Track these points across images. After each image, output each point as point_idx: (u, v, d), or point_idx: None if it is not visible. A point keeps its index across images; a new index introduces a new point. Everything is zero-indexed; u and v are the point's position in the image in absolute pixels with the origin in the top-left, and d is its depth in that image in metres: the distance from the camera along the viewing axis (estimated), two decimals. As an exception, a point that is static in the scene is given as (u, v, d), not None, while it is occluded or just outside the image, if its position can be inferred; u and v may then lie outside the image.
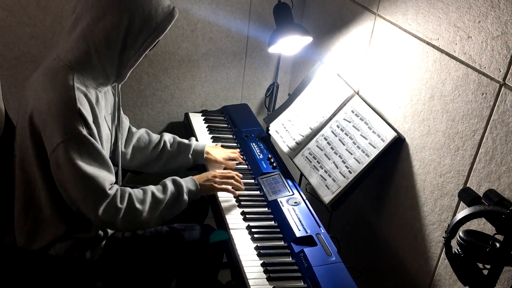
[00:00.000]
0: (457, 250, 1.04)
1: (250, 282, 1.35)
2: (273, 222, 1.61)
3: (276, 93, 2.46)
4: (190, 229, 1.63)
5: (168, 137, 1.86)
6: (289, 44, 2.03)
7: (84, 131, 1.33)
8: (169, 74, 2.29)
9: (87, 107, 1.37)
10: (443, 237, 1.08)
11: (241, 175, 1.73)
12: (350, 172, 1.65)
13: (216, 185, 1.64)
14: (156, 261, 1.58)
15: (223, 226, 1.58)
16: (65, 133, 1.30)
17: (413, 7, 1.53)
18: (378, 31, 1.73)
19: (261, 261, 1.43)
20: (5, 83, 2.07)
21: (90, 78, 1.40)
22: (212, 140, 2.05)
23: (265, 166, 1.87)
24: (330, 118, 1.84)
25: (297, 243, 1.50)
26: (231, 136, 2.10)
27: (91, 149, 1.35)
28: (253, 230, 1.55)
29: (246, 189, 1.74)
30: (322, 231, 1.55)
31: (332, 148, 1.77)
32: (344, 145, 1.73)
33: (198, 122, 2.18)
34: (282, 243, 1.52)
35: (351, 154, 1.69)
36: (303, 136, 1.90)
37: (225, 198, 1.68)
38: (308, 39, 1.99)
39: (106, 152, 1.45)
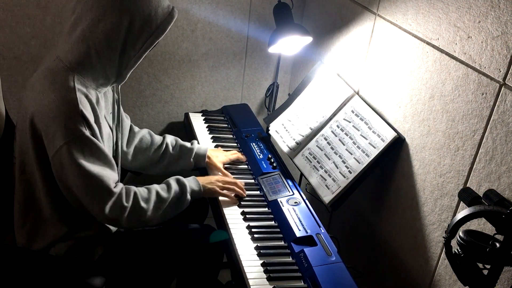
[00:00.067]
0: (457, 250, 1.04)
1: (250, 282, 1.35)
2: (273, 222, 1.61)
3: (276, 93, 2.46)
4: (190, 229, 1.63)
5: (170, 139, 1.85)
6: (289, 44, 2.03)
7: (87, 132, 1.34)
8: (169, 74, 2.29)
9: (89, 108, 1.37)
10: (443, 237, 1.08)
11: (243, 184, 1.72)
12: (350, 172, 1.65)
13: (218, 189, 1.65)
14: (156, 261, 1.59)
15: (223, 226, 1.58)
16: (67, 135, 1.31)
17: (413, 7, 1.53)
18: (378, 31, 1.73)
19: (261, 261, 1.43)
20: (5, 83, 2.07)
21: (90, 79, 1.40)
22: (212, 140, 2.05)
23: (265, 166, 1.87)
24: (330, 118, 1.84)
25: (297, 243, 1.50)
26: (231, 136, 2.10)
27: (94, 149, 1.36)
28: (253, 230, 1.55)
29: (246, 189, 1.74)
30: (322, 231, 1.55)
31: (332, 148, 1.77)
32: (344, 145, 1.73)
33: (198, 122, 2.18)
34: (282, 243, 1.52)
35: (351, 154, 1.69)
36: (303, 136, 1.90)
37: (225, 198, 1.68)
38: (308, 39, 2.00)
39: (108, 151, 1.45)
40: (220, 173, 1.81)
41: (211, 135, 2.08)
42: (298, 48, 2.09)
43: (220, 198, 1.67)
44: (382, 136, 1.63)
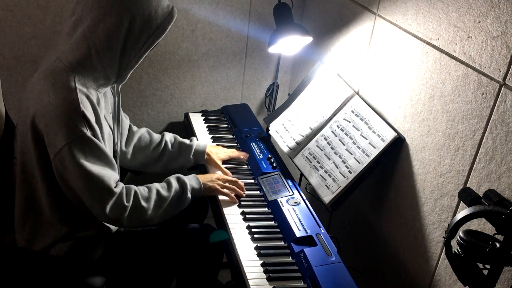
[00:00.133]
0: (457, 250, 1.04)
1: (250, 282, 1.35)
2: (273, 222, 1.61)
3: (276, 93, 2.46)
4: (190, 228, 1.63)
5: (169, 137, 1.86)
6: (289, 44, 2.03)
7: (88, 133, 1.34)
8: (169, 74, 2.29)
9: (90, 108, 1.37)
10: (443, 237, 1.08)
11: (243, 184, 1.72)
12: (350, 172, 1.65)
13: (219, 188, 1.65)
14: (157, 261, 1.59)
15: (223, 226, 1.58)
16: (69, 135, 1.31)
17: (413, 7, 1.53)
18: (378, 31, 1.73)
19: (261, 261, 1.43)
20: (5, 83, 2.07)
21: (91, 79, 1.40)
22: (212, 140, 2.05)
23: (265, 166, 1.87)
24: (330, 118, 1.84)
25: (297, 243, 1.50)
26: (231, 136, 2.10)
27: (95, 149, 1.36)
28: (253, 230, 1.55)
29: (246, 189, 1.74)
30: (322, 231, 1.55)
31: (332, 148, 1.77)
32: (344, 145, 1.73)
33: (198, 122, 2.18)
34: (282, 243, 1.52)
35: (351, 154, 1.69)
36: (303, 136, 1.90)
37: (225, 198, 1.68)
38: (308, 39, 2.00)
39: (109, 151, 1.45)
40: (219, 171, 1.82)
41: (211, 135, 2.08)
42: (298, 48, 2.09)
43: (220, 197, 1.67)
44: (382, 136, 1.63)
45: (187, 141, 1.87)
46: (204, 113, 2.27)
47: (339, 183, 1.67)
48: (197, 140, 1.93)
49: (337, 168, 1.71)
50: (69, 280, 1.47)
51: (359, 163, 1.65)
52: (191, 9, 2.16)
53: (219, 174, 1.73)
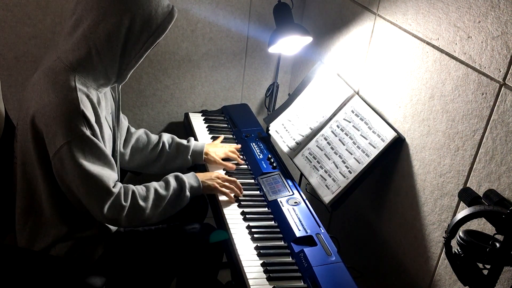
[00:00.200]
0: (457, 250, 1.04)
1: (250, 282, 1.35)
2: (273, 222, 1.61)
3: (276, 93, 2.46)
4: (190, 228, 1.63)
5: (166, 137, 1.86)
6: (289, 44, 2.03)
7: (88, 132, 1.34)
8: (169, 74, 2.29)
9: (90, 108, 1.37)
10: (443, 237, 1.08)
11: (241, 186, 1.72)
12: (350, 172, 1.65)
13: (218, 186, 1.65)
14: (157, 261, 1.59)
15: (223, 226, 1.58)
16: (68, 135, 1.31)
17: (413, 7, 1.53)
18: (378, 31, 1.73)
19: (261, 261, 1.43)
20: (5, 83, 2.07)
21: (91, 79, 1.40)
22: (212, 140, 2.05)
23: (265, 166, 1.87)
24: (330, 118, 1.84)
25: (297, 243, 1.50)
26: (231, 136, 2.10)
27: (94, 148, 1.36)
28: (253, 230, 1.55)
29: (246, 189, 1.74)
30: (322, 231, 1.55)
31: (332, 148, 1.77)
32: (344, 145, 1.73)
33: (198, 122, 2.18)
34: (282, 243, 1.52)
35: (351, 154, 1.69)
36: (303, 136, 1.90)
37: (224, 196, 1.68)
38: (308, 39, 2.00)
39: (108, 151, 1.45)
40: (221, 170, 1.82)
41: (211, 135, 2.08)
42: (298, 48, 2.09)
43: (220, 198, 1.67)
44: (382, 136, 1.63)
45: (184, 141, 1.87)
46: (204, 113, 2.27)
47: (339, 183, 1.67)
48: (195, 140, 1.93)
49: (337, 168, 1.71)
50: (69, 280, 1.47)
51: (359, 163, 1.65)
52: (191, 9, 2.16)
53: (218, 172, 1.73)
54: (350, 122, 1.76)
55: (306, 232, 1.53)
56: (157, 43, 1.43)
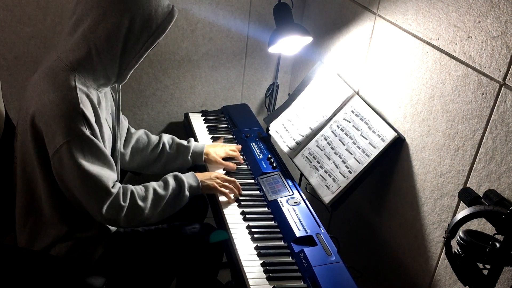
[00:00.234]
0: (457, 250, 1.04)
1: (250, 282, 1.35)
2: (273, 222, 1.61)
3: (276, 93, 2.46)
4: (190, 228, 1.63)
5: (167, 138, 1.85)
6: (289, 44, 2.03)
7: (87, 132, 1.34)
8: (169, 74, 2.29)
9: (90, 107, 1.37)
10: (443, 237, 1.08)
11: (240, 186, 1.72)
12: (350, 172, 1.65)
13: (217, 186, 1.64)
14: (157, 260, 1.59)
15: (223, 226, 1.58)
16: (68, 134, 1.31)
17: (413, 7, 1.53)
18: (378, 31, 1.73)
19: (261, 261, 1.43)
20: (5, 83, 2.07)
21: (91, 79, 1.40)
22: (212, 140, 2.05)
23: (265, 166, 1.87)
24: (330, 118, 1.84)
25: (297, 243, 1.50)
26: (231, 136, 2.10)
27: (94, 148, 1.36)
28: (253, 230, 1.55)
29: (246, 189, 1.74)
30: (322, 231, 1.55)
31: (332, 148, 1.77)
32: (344, 145, 1.73)
33: (198, 122, 2.18)
34: (282, 243, 1.52)
35: (351, 154, 1.69)
36: (303, 136, 1.90)
37: (223, 196, 1.68)
38: (308, 39, 2.00)
39: (108, 151, 1.45)
40: (221, 167, 1.82)
41: (211, 135, 2.08)
42: (298, 48, 2.09)
43: (221, 198, 1.67)
44: (382, 136, 1.63)
45: (184, 142, 1.87)
46: (204, 113, 2.27)
47: (339, 183, 1.67)
48: (195, 140, 1.93)
49: (337, 168, 1.71)
50: (69, 280, 1.47)
51: (359, 163, 1.65)
52: (191, 9, 2.16)
53: (217, 172, 1.73)
54: (350, 122, 1.76)
55: (306, 232, 1.53)
56: (157, 43, 1.43)
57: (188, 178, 1.60)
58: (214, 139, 2.05)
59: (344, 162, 1.69)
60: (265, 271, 1.39)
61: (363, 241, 1.91)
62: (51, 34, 2.04)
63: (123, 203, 1.41)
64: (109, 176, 1.40)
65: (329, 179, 1.71)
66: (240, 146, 1.97)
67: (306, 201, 1.69)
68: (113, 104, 1.61)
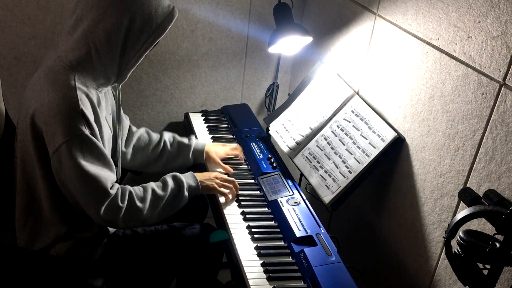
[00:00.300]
0: (457, 250, 1.04)
1: (250, 282, 1.35)
2: (273, 222, 1.61)
3: (276, 93, 2.46)
4: (190, 228, 1.63)
5: (168, 136, 1.86)
6: (289, 44, 2.03)
7: (87, 131, 1.34)
8: (169, 74, 2.29)
9: (89, 107, 1.37)
10: (443, 237, 1.08)
11: (238, 186, 1.72)
12: (350, 172, 1.65)
13: (217, 186, 1.64)
14: (157, 261, 1.59)
15: (223, 226, 1.58)
16: (67, 134, 1.31)
17: (413, 7, 1.53)
18: (378, 31, 1.73)
19: (261, 261, 1.43)
20: (5, 83, 2.07)
21: (91, 79, 1.40)
22: (212, 140, 2.05)
23: (265, 166, 1.87)
24: (330, 118, 1.84)
25: (297, 243, 1.50)
26: (231, 136, 2.10)
27: (93, 148, 1.36)
28: (253, 230, 1.55)
29: (246, 189, 1.74)
30: (322, 231, 1.55)
31: (332, 148, 1.77)
32: (344, 145, 1.73)
33: (198, 122, 2.18)
34: (282, 243, 1.52)
35: (351, 154, 1.69)
36: (303, 136, 1.90)
37: (223, 197, 1.68)
38: (308, 39, 2.00)
39: (107, 151, 1.45)
40: (220, 169, 1.82)
41: (211, 135, 2.08)
42: (298, 48, 2.09)
43: (221, 198, 1.67)
44: (382, 136, 1.63)
45: (185, 140, 1.87)
46: (204, 113, 2.27)
47: (339, 183, 1.67)
48: (196, 138, 1.93)
49: (337, 168, 1.71)
50: (69, 280, 1.47)
51: (359, 163, 1.65)
52: (191, 9, 2.16)
53: (217, 172, 1.72)
54: (350, 122, 1.76)
55: (306, 232, 1.53)
56: (157, 43, 1.43)
57: (187, 179, 1.60)
58: (214, 139, 2.05)
59: (344, 162, 1.69)
60: (265, 271, 1.39)
61: (363, 241, 1.91)
62: (51, 34, 2.04)
63: (121, 204, 1.41)
64: (108, 177, 1.39)
65: (329, 179, 1.71)
66: (241, 148, 1.96)
67: (306, 201, 1.69)
68: (113, 103, 1.61)
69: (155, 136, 1.84)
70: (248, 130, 2.10)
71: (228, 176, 1.74)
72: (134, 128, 1.81)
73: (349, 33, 1.93)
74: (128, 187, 1.47)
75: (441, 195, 1.45)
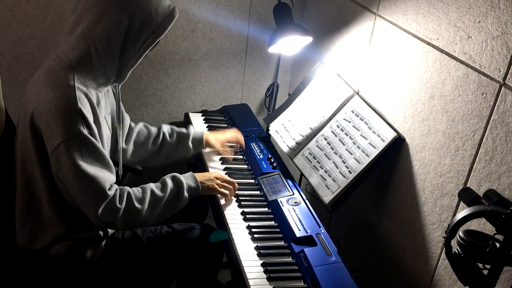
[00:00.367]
0: (457, 250, 1.04)
1: (250, 282, 1.35)
2: (273, 222, 1.61)
3: (276, 93, 2.46)
4: (190, 228, 1.63)
5: (166, 128, 1.87)
6: (289, 44, 2.03)
7: (85, 131, 1.33)
8: (169, 74, 2.29)
9: (88, 107, 1.37)
10: (443, 237, 1.08)
11: (237, 186, 1.72)
12: (350, 172, 1.65)
13: (217, 187, 1.64)
14: (156, 261, 1.58)
15: (223, 226, 1.58)
16: (66, 133, 1.31)
17: (413, 7, 1.53)
18: (378, 31, 1.73)
19: (261, 261, 1.43)
20: (5, 83, 2.07)
21: (91, 78, 1.40)
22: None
23: (265, 166, 1.87)
24: (330, 118, 1.84)
25: (297, 243, 1.50)
26: (231, 136, 2.10)
27: (92, 149, 1.36)
28: (253, 230, 1.55)
29: (246, 189, 1.74)
30: (322, 231, 1.55)
31: (332, 148, 1.77)
32: (344, 145, 1.73)
33: (198, 122, 2.18)
34: (282, 243, 1.52)
35: (351, 154, 1.69)
36: (303, 136, 1.90)
37: (223, 197, 1.68)
38: (308, 39, 2.00)
39: (107, 151, 1.45)
40: (220, 170, 1.82)
41: (211, 135, 2.08)
42: (298, 48, 2.09)
43: (222, 200, 1.67)
44: (382, 136, 1.63)
45: (184, 130, 1.89)
46: (204, 113, 2.27)
47: (339, 183, 1.67)
48: (194, 129, 1.95)
49: (337, 168, 1.71)
50: (69, 280, 1.47)
51: (359, 163, 1.65)
52: (191, 9, 2.16)
53: (217, 173, 1.72)
54: (350, 122, 1.76)
55: (306, 232, 1.53)
56: (157, 43, 1.43)
57: (187, 179, 1.59)
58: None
59: (344, 162, 1.69)
60: (265, 271, 1.39)
61: (363, 241, 1.91)
62: (51, 34, 2.04)
63: (119, 205, 1.40)
64: (106, 178, 1.39)
65: (329, 179, 1.71)
66: (241, 135, 1.97)
67: (306, 201, 1.69)
68: (114, 103, 1.61)
69: (154, 129, 1.84)
70: (248, 130, 2.10)
71: (229, 175, 1.74)
72: (132, 124, 1.82)
73: (349, 33, 1.93)
74: (127, 188, 1.46)
75: (441, 195, 1.45)
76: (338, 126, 1.79)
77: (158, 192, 1.51)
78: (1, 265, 1.42)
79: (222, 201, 1.67)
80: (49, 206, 1.42)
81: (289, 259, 1.46)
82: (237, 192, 1.70)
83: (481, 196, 1.10)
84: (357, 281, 1.37)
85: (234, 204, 1.67)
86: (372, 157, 1.62)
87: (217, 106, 2.45)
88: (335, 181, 1.68)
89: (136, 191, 1.48)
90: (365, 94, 1.83)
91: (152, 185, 1.53)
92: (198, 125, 2.15)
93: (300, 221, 1.58)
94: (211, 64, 2.33)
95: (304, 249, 1.46)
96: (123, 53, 1.38)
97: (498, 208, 1.00)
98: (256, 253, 1.46)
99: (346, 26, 1.94)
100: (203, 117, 2.22)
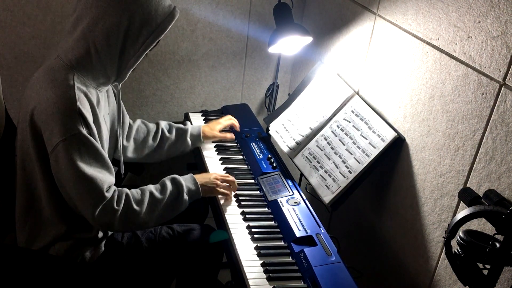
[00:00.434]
0: (457, 250, 1.04)
1: (250, 282, 1.35)
2: (273, 222, 1.61)
3: (276, 93, 2.46)
4: (190, 229, 1.63)
5: (164, 124, 1.89)
6: (289, 44, 2.03)
7: (84, 131, 1.33)
8: (169, 74, 2.29)
9: (87, 106, 1.37)
10: (443, 237, 1.08)
11: (237, 186, 1.72)
12: (350, 172, 1.65)
13: (218, 188, 1.64)
14: (156, 262, 1.58)
15: (223, 226, 1.58)
16: (65, 133, 1.30)
17: (413, 7, 1.53)
18: (378, 31, 1.73)
19: (261, 261, 1.43)
20: (5, 83, 2.07)
21: (91, 78, 1.40)
22: (212, 142, 2.05)
23: (265, 166, 1.87)
24: (330, 118, 1.84)
25: (297, 243, 1.50)
26: (231, 136, 2.10)
27: (91, 149, 1.35)
28: (253, 230, 1.55)
29: (246, 189, 1.74)
30: (322, 231, 1.55)
31: (332, 148, 1.77)
32: (344, 145, 1.73)
33: (198, 122, 2.18)
34: (282, 243, 1.52)
35: (351, 154, 1.69)
36: (303, 136, 1.90)
37: (223, 197, 1.68)
38: (308, 39, 1.99)
39: (106, 151, 1.45)
40: (220, 170, 1.82)
41: (211, 135, 2.08)
42: (298, 48, 2.09)
43: (221, 200, 1.67)
44: (382, 136, 1.63)
45: (181, 125, 1.92)
46: (204, 113, 2.27)
47: (339, 183, 1.67)
48: (191, 124, 1.99)
49: (337, 168, 1.71)
50: (69, 280, 1.47)
51: (359, 163, 1.65)
52: (191, 9, 2.16)
53: (216, 173, 1.72)
54: (350, 122, 1.76)
55: (306, 232, 1.53)
56: (157, 42, 1.43)
57: (187, 182, 1.58)
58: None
59: (344, 162, 1.69)
60: (265, 271, 1.39)
61: (363, 241, 1.91)
62: (51, 34, 2.04)
63: (116, 207, 1.39)
64: (105, 179, 1.38)
65: (329, 179, 1.71)
66: (236, 120, 2.07)
67: (306, 201, 1.69)
68: (114, 103, 1.61)
69: (152, 126, 1.86)
70: (248, 130, 2.10)
71: (228, 174, 1.74)
72: (131, 121, 1.82)
73: (349, 33, 1.93)
74: (126, 190, 1.46)
75: (441, 195, 1.45)
76: (338, 126, 1.79)
77: (157, 194, 1.50)
78: (1, 265, 1.42)
79: (222, 201, 1.67)
80: (49, 206, 1.42)
81: (289, 259, 1.46)
82: (237, 192, 1.70)
83: (481, 196, 1.10)
84: (357, 281, 1.37)
85: (234, 204, 1.67)
86: (372, 157, 1.62)
87: (217, 106, 2.44)
88: (335, 181, 1.68)
89: (135, 192, 1.47)
90: (365, 94, 1.83)
91: (151, 187, 1.52)
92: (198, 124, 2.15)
93: (300, 221, 1.58)
94: (211, 64, 2.33)
95: (304, 249, 1.46)
96: (123, 53, 1.38)
97: (498, 208, 1.00)
98: (256, 253, 1.46)
99: (346, 26, 1.94)
100: (203, 117, 2.22)
